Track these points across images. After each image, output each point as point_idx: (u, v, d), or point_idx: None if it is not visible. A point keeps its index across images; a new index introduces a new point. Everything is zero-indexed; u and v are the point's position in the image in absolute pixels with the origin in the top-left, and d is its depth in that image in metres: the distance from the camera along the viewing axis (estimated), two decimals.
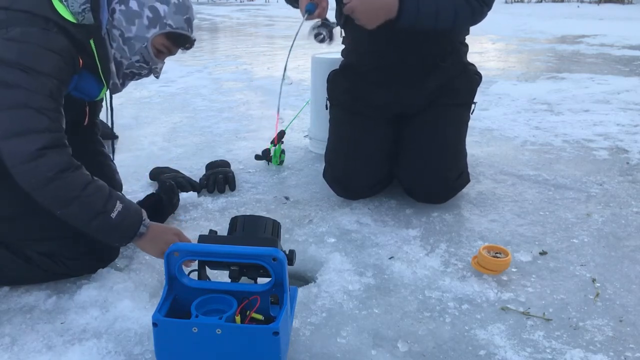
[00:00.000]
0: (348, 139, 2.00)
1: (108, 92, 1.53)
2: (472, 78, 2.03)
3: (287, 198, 1.93)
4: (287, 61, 1.79)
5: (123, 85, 1.55)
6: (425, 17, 1.70)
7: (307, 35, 1.78)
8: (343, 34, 2.08)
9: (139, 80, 1.59)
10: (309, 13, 1.73)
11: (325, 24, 1.79)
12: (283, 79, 1.99)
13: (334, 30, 1.82)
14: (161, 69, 1.56)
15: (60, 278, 1.49)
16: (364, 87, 1.99)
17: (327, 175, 2.05)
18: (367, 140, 1.97)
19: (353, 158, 1.96)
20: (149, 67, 1.51)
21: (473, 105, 2.06)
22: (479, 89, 2.07)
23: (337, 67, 2.13)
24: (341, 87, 2.06)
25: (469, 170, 2.22)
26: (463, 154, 2.02)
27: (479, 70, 2.08)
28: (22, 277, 1.46)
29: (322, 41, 1.78)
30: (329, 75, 2.13)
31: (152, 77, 1.57)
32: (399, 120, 2.01)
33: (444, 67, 1.93)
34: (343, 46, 2.12)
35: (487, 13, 1.81)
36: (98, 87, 1.47)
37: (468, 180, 2.04)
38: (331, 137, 2.08)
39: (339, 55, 2.18)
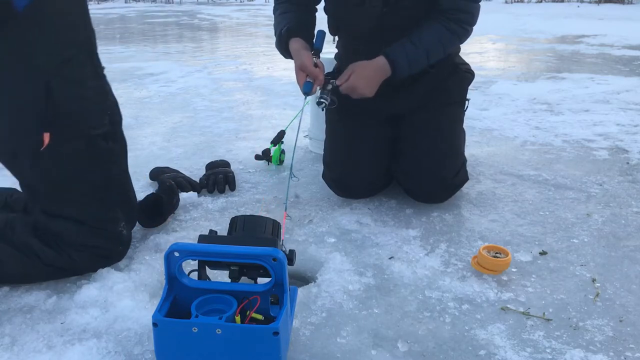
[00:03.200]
0: (344, 138, 2.01)
1: None
2: (463, 76, 2.03)
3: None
4: (297, 137, 1.78)
5: None
6: (417, 63, 1.80)
7: (304, 103, 1.79)
8: (336, 40, 2.09)
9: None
10: (307, 94, 1.74)
11: (325, 90, 1.79)
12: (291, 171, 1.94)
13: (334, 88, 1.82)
14: None
15: (62, 276, 1.49)
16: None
17: (325, 176, 2.06)
18: (362, 139, 1.97)
19: (349, 157, 1.97)
20: None
21: (466, 102, 2.08)
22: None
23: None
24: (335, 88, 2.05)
25: (469, 170, 2.22)
26: (459, 152, 2.02)
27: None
28: (23, 272, 1.46)
29: (324, 107, 1.80)
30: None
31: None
32: (395, 120, 2.01)
33: (433, 71, 1.94)
34: (336, 50, 2.13)
35: (471, 31, 1.86)
36: None
37: (466, 179, 2.05)
38: (327, 137, 2.09)
39: None
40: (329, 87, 1.80)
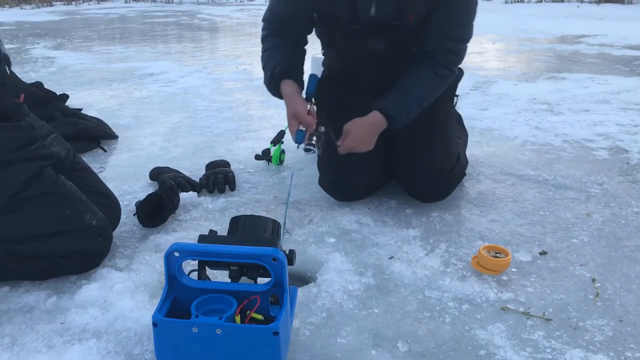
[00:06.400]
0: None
1: None
2: None
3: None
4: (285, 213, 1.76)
5: None
6: (412, 113, 1.81)
7: (296, 146, 1.75)
8: (322, 51, 2.08)
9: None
10: (300, 142, 1.71)
11: (314, 138, 1.75)
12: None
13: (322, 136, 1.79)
14: None
15: (59, 274, 1.50)
16: (347, 95, 2.00)
17: (321, 181, 2.05)
18: None
19: (343, 159, 1.95)
20: None
21: (455, 98, 2.12)
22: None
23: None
24: (327, 92, 2.03)
25: (469, 170, 2.22)
26: (452, 146, 2.03)
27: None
28: (20, 270, 1.47)
29: (312, 153, 1.78)
30: None
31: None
32: None
33: None
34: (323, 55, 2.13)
35: (456, 70, 1.89)
36: None
37: (463, 174, 2.06)
38: None
39: None
40: (317, 133, 1.75)
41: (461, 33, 1.80)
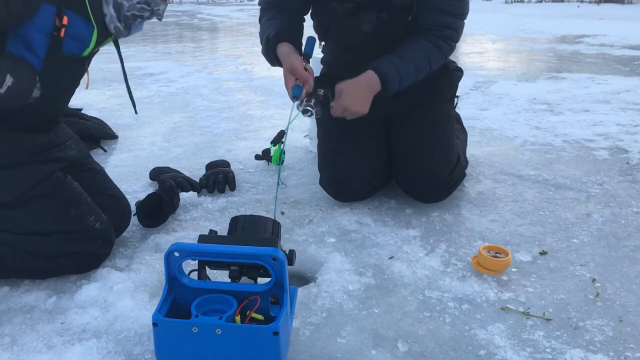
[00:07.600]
0: (337, 141, 2.00)
1: (110, 43, 1.54)
2: (452, 74, 2.05)
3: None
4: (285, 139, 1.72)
5: (128, 30, 1.53)
6: (407, 78, 1.77)
7: (294, 107, 1.70)
8: (322, 44, 2.07)
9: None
10: (297, 98, 1.66)
11: (312, 98, 1.71)
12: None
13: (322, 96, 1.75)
14: (163, 10, 1.53)
15: (58, 273, 1.50)
16: None
17: (322, 181, 2.05)
18: (355, 140, 1.96)
19: (343, 160, 1.95)
20: (150, 8, 1.49)
21: (456, 99, 2.10)
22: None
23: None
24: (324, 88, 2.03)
25: (469, 170, 2.22)
26: (452, 148, 2.02)
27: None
28: (21, 268, 1.47)
29: (310, 116, 1.73)
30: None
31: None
32: (388, 120, 2.01)
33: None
34: (322, 54, 2.12)
35: (455, 48, 1.87)
36: (88, 29, 1.43)
37: (463, 176, 2.06)
38: (320, 141, 2.08)
39: None
40: (317, 95, 1.72)
41: (456, 7, 1.78)
